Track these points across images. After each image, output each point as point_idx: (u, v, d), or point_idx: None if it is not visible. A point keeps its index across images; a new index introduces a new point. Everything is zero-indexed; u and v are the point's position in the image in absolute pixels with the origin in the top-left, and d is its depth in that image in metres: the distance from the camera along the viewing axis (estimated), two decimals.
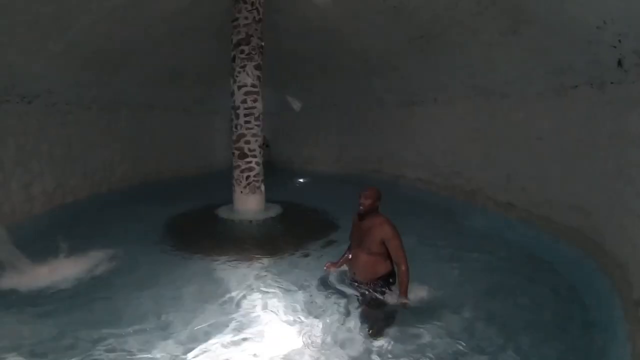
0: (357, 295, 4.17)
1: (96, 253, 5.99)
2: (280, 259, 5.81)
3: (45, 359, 3.48)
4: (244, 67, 7.99)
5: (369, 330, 3.74)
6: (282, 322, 4.03)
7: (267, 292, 4.70)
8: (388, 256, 4.05)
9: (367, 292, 4.14)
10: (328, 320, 3.92)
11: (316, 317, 4.02)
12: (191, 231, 7.42)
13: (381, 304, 4.04)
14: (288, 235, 7.10)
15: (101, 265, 5.63)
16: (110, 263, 5.74)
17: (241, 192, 8.10)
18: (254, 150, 8.10)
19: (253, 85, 8.05)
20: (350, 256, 4.41)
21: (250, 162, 8.08)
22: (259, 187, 8.18)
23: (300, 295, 4.52)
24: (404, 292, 3.97)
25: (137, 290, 4.82)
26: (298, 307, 4.29)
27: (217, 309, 4.34)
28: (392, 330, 3.74)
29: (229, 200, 8.43)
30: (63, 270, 5.43)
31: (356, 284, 4.24)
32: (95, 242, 6.35)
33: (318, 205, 8.63)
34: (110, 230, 7.26)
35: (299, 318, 4.06)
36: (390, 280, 4.15)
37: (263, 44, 8.23)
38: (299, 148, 15.32)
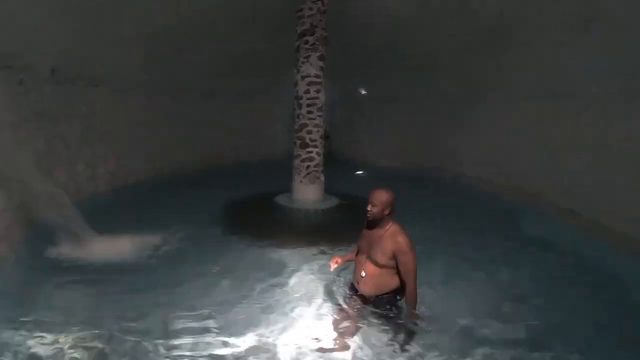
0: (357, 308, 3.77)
1: (156, 233, 6.20)
2: (336, 251, 5.70)
3: (95, 327, 3.69)
4: (307, 57, 8.03)
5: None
6: (333, 316, 3.97)
7: (323, 282, 4.67)
8: (398, 270, 3.49)
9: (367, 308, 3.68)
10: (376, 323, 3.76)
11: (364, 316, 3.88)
12: (249, 217, 7.56)
13: (389, 320, 3.61)
14: (344, 227, 6.89)
15: (160, 245, 5.84)
16: (169, 244, 5.93)
17: (301, 181, 8.17)
18: (315, 140, 8.13)
19: (316, 76, 8.08)
20: (354, 257, 3.96)
21: (311, 152, 8.13)
22: (318, 177, 8.23)
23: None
24: (412, 307, 3.47)
25: (194, 272, 4.96)
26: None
27: (272, 296, 4.38)
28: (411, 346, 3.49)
29: (288, 189, 8.54)
30: (123, 247, 5.70)
31: (358, 297, 3.76)
32: (155, 222, 6.60)
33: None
34: (170, 212, 7.49)
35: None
36: (398, 297, 3.63)
37: (327, 35, 8.22)
38: (359, 141, 15.18)
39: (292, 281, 4.75)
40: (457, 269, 5.18)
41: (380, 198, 3.46)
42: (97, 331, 3.65)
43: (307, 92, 8.06)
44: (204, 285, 4.61)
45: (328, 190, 8.56)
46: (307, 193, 8.16)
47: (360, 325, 3.62)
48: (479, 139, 9.80)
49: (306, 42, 8.02)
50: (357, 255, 3.82)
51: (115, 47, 7.50)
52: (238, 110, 13.42)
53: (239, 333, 3.65)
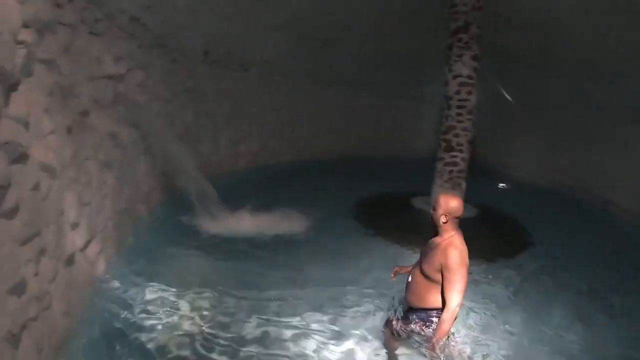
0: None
1: (288, 215, 6.31)
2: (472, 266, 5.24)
3: (211, 293, 3.89)
4: (460, 56, 7.57)
5: None
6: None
7: None
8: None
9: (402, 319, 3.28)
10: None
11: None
12: (383, 215, 7.33)
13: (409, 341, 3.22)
14: (481, 242, 6.34)
15: (289, 228, 5.93)
16: (298, 228, 6.00)
17: (441, 185, 7.73)
18: (461, 144, 7.66)
19: (469, 77, 7.59)
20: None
21: (456, 156, 7.67)
22: (460, 184, 7.71)
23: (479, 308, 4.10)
24: (439, 334, 2.91)
25: (317, 260, 4.94)
26: (473, 320, 3.88)
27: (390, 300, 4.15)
28: None
29: (425, 191, 8.16)
30: (254, 224, 5.89)
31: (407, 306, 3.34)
32: (288, 205, 6.64)
33: (516, 216, 7.85)
34: (304, 198, 7.50)
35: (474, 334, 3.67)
36: (435, 316, 3.09)
37: (481, 33, 7.68)
38: (500, 149, 13.99)
39: None
40: (584, 318, 4.21)
41: (442, 203, 3.07)
42: (211, 297, 3.85)
43: (458, 92, 7.60)
44: (327, 275, 4.58)
45: (466, 199, 7.93)
46: None
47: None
48: (635, 164, 8.61)
49: (459, 40, 7.57)
50: None
51: (265, 33, 7.77)
52: (382, 104, 13.25)
53: (341, 334, 3.55)
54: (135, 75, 5.35)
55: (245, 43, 7.71)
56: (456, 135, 7.61)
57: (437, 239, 3.12)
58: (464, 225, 6.97)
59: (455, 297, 2.87)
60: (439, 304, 3.02)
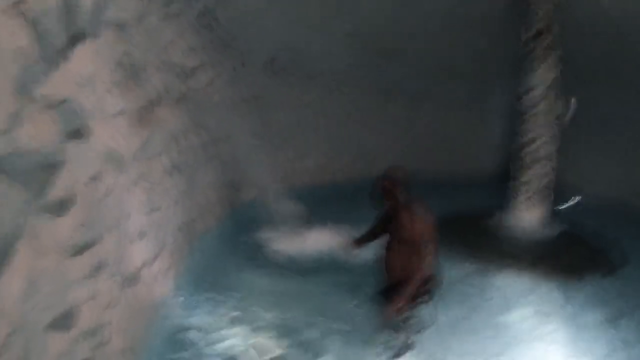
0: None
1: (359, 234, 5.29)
2: (559, 287, 4.47)
3: (278, 319, 3.23)
4: (538, 65, 6.71)
5: None
6: None
7: (544, 319, 3.71)
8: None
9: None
10: None
11: None
12: (457, 236, 6.23)
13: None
14: (569, 259, 5.72)
15: (367, 251, 4.77)
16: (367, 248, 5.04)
17: (522, 203, 6.68)
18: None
19: (547, 87, 6.77)
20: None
21: (536, 172, 6.68)
22: (541, 201, 6.66)
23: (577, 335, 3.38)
24: (417, 277, 3.01)
25: None
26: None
27: (479, 322, 3.60)
28: None
29: (498, 210, 7.09)
30: (324, 243, 4.93)
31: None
32: (355, 223, 5.54)
33: (598, 235, 6.72)
34: (372, 215, 6.50)
35: None
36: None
37: (560, 41, 6.80)
38: (570, 162, 12.57)
39: (505, 312, 3.81)
40: None
41: (386, 177, 3.43)
42: (290, 325, 3.16)
43: (537, 104, 6.69)
44: None
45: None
46: (529, 217, 6.76)
47: None
48: None
49: (536, 48, 6.70)
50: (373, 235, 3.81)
51: (333, 42, 7.09)
52: (449, 116, 11.89)
53: None
54: (206, 72, 4.60)
55: (312, 51, 7.11)
56: (536, 150, 6.64)
57: (393, 210, 3.24)
58: (548, 244, 6.33)
59: (427, 247, 3.03)
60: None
